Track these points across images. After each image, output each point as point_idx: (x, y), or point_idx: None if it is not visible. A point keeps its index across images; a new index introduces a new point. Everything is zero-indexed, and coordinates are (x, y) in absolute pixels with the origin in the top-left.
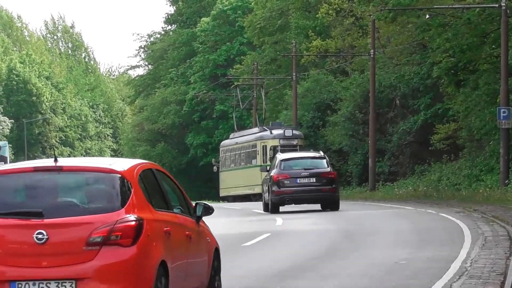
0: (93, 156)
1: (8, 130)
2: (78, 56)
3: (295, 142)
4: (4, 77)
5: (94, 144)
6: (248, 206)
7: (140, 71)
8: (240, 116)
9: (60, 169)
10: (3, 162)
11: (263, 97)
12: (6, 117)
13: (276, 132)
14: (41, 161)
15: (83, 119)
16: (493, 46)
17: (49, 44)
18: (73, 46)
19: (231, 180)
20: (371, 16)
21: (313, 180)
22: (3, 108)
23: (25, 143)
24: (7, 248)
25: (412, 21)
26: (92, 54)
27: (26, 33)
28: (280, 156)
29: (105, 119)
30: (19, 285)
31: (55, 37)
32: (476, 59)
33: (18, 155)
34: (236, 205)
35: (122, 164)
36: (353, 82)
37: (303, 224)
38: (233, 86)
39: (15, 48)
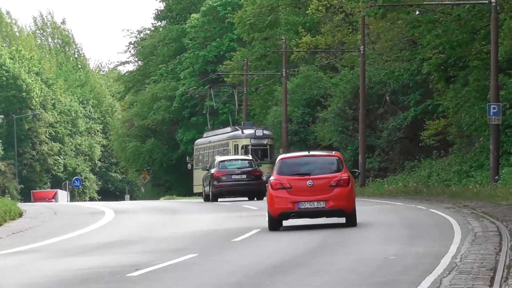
0: (83, 151)
1: None
2: (67, 52)
3: (265, 141)
4: None
5: (84, 139)
6: (238, 202)
7: (130, 67)
8: (233, 112)
9: (313, 156)
10: None
11: (236, 98)
12: None
13: (247, 132)
14: (303, 153)
15: (73, 114)
16: (483, 43)
17: (39, 40)
18: (63, 42)
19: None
20: (361, 12)
21: (244, 176)
22: None
23: (15, 139)
24: (295, 188)
25: (402, 17)
26: (82, 50)
27: (15, 29)
28: (218, 158)
29: (95, 115)
30: (300, 204)
31: (45, 33)
32: (466, 55)
33: (8, 150)
34: (225, 201)
35: (335, 153)
36: (343, 78)
37: (293, 220)
38: (207, 86)
39: (4, 44)
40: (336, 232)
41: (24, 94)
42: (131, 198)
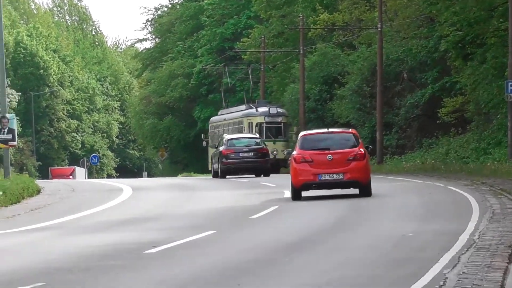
0: (100, 128)
1: (16, 103)
2: (85, 29)
3: (279, 119)
4: (11, 50)
5: (101, 117)
6: (256, 179)
7: (147, 44)
8: (248, 90)
9: (332, 132)
10: (11, 135)
11: (250, 76)
12: (13, 90)
13: (261, 109)
14: (322, 130)
15: (91, 92)
16: (501, 20)
17: (56, 17)
18: (80, 19)
19: None
20: None
21: (251, 154)
22: (10, 81)
23: (32, 116)
24: (316, 162)
25: None
26: (99, 27)
27: (33, 6)
28: (226, 136)
29: (112, 92)
30: (321, 176)
31: (62, 10)
32: (484, 32)
33: (25, 127)
34: (243, 178)
35: (351, 130)
36: (361, 56)
37: (310, 197)
38: (222, 64)
39: (22, 21)
40: (354, 210)
41: (41, 71)
42: (149, 175)
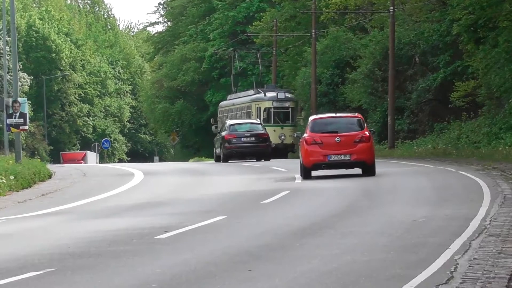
0: (112, 113)
1: (28, 87)
2: (97, 12)
3: (287, 104)
4: (23, 34)
5: (113, 101)
6: (267, 164)
7: (159, 28)
8: (258, 74)
9: (339, 117)
10: (22, 119)
11: (259, 61)
12: (25, 74)
13: (269, 94)
14: (331, 114)
15: (102, 75)
16: None
17: (68, 1)
18: (92, 2)
19: None
20: None
21: (253, 139)
22: (22, 65)
23: (44, 100)
24: (325, 143)
25: None
26: (111, 11)
27: None
28: (229, 121)
29: (124, 76)
30: (330, 157)
31: None
32: (496, 16)
33: (37, 111)
34: (254, 162)
35: (357, 114)
36: (373, 39)
37: (322, 182)
38: (231, 49)
39: (34, 5)
40: (364, 195)
41: (53, 55)
42: (160, 160)
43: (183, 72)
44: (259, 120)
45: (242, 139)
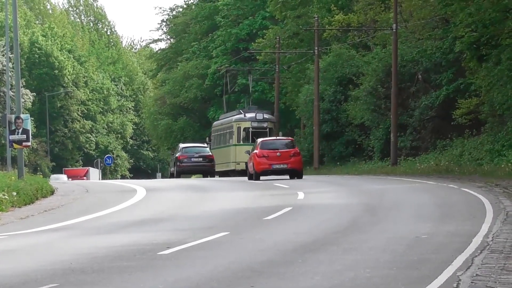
0: (115, 129)
1: (30, 103)
2: (100, 29)
3: (265, 125)
4: (26, 50)
5: (116, 117)
6: (270, 180)
7: (162, 45)
8: (263, 90)
9: (279, 139)
10: (25, 135)
11: (250, 81)
12: (28, 90)
13: (249, 115)
14: (273, 137)
15: (105, 92)
16: None
17: (72, 18)
18: (95, 19)
19: (216, 157)
20: None
21: (201, 159)
22: (25, 81)
23: (47, 116)
24: (270, 157)
25: None
26: (114, 27)
27: (48, 6)
28: (181, 145)
29: (127, 93)
30: (273, 165)
31: (77, 10)
32: (499, 34)
33: (40, 128)
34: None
35: (290, 138)
36: (375, 57)
37: (325, 198)
38: (221, 71)
39: (37, 21)
40: (367, 211)
41: (56, 71)
42: (163, 176)
43: (185, 89)
44: (206, 144)
45: (192, 159)
